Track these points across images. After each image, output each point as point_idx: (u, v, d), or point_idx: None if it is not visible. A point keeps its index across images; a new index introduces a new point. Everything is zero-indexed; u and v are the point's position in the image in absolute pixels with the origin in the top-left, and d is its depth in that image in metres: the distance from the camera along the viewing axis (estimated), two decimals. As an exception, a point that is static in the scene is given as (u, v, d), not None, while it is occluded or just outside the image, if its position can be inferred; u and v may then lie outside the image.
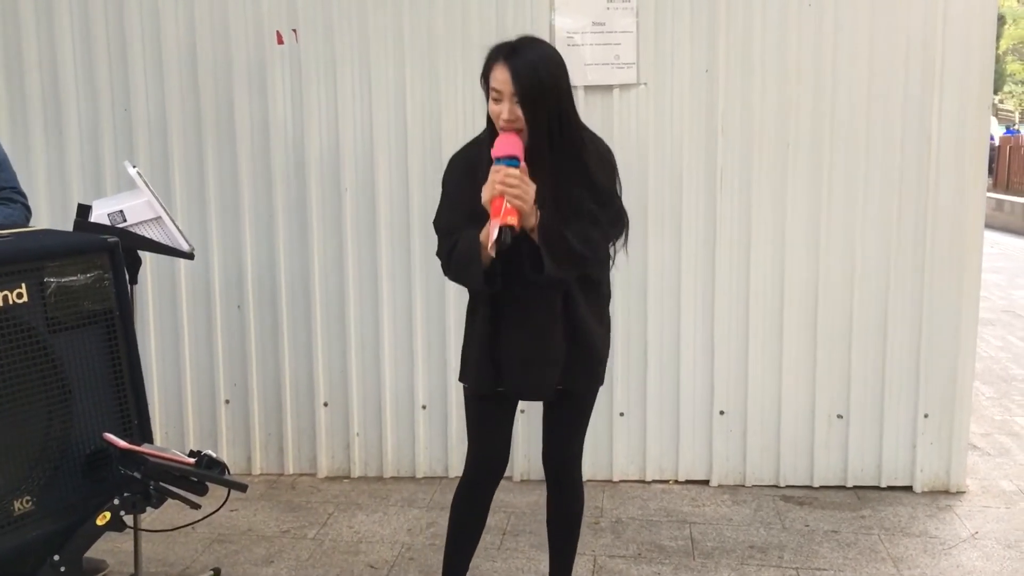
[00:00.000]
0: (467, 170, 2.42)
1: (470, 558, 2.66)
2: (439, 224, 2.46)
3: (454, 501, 2.63)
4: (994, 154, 17.42)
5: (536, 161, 2.30)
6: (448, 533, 2.64)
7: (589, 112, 3.78)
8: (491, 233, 2.20)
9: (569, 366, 2.46)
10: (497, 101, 2.29)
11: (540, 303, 2.40)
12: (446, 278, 2.51)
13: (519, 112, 2.27)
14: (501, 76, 2.26)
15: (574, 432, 2.63)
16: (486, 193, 2.25)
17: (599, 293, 2.52)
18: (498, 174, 2.22)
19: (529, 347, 2.42)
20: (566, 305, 2.42)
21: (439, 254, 2.46)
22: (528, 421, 3.76)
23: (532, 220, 2.29)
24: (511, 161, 2.23)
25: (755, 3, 3.69)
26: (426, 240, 3.84)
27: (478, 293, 2.46)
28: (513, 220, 2.20)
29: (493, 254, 2.24)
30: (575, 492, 2.68)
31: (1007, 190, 16.91)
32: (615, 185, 2.45)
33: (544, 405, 2.61)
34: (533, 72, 2.25)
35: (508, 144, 2.26)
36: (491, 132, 2.37)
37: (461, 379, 2.56)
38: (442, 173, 2.53)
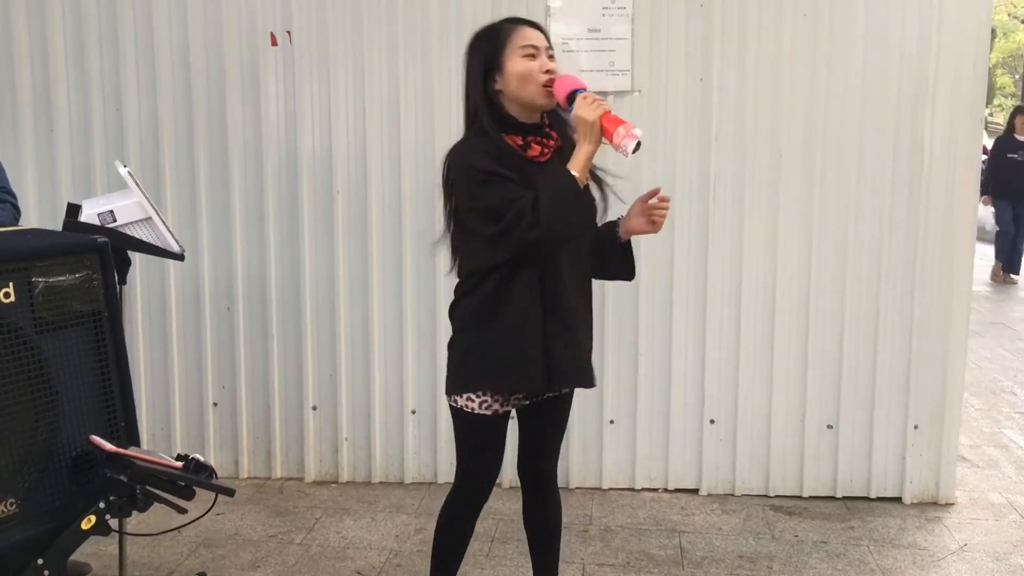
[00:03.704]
0: (495, 156, 2.26)
1: (458, 569, 2.62)
2: (496, 200, 2.20)
3: (447, 519, 2.51)
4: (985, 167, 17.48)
5: (557, 123, 2.34)
6: (438, 548, 2.52)
7: (583, 119, 3.79)
8: (625, 136, 2.13)
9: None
10: (533, 56, 2.26)
11: (576, 287, 2.41)
12: (535, 247, 2.23)
13: (553, 65, 2.28)
14: (530, 33, 2.28)
15: (559, 438, 2.60)
16: (591, 113, 2.15)
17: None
18: (590, 97, 2.17)
19: (575, 331, 2.38)
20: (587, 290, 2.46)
21: (505, 229, 2.19)
22: (516, 425, 3.73)
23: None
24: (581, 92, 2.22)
25: (750, 13, 3.70)
26: (418, 243, 3.82)
27: (518, 276, 2.28)
28: (637, 132, 2.15)
29: (631, 150, 2.14)
30: (555, 500, 2.62)
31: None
32: None
33: (520, 412, 2.53)
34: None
35: (572, 81, 2.24)
36: (482, 134, 2.29)
37: (498, 390, 2.35)
38: (437, 176, 2.45)
